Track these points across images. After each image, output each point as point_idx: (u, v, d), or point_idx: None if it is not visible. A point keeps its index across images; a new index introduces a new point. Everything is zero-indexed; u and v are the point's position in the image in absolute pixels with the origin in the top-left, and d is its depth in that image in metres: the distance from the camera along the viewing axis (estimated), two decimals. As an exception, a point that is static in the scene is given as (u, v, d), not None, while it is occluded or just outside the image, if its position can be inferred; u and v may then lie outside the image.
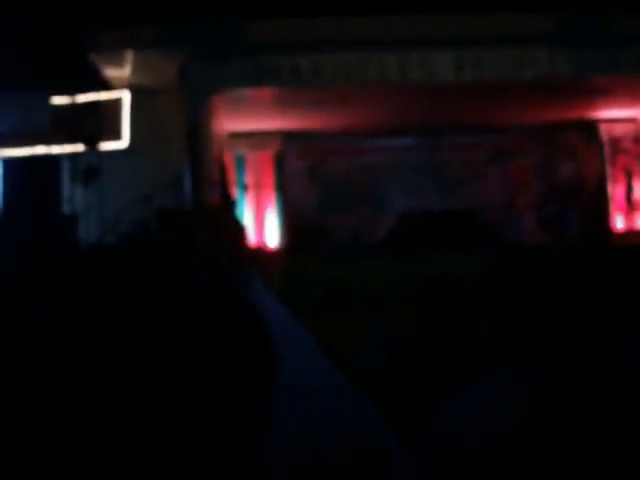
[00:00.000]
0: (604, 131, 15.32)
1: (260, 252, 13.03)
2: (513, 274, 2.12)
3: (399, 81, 11.73)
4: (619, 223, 15.09)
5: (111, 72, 12.33)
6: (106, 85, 12.67)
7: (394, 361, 3.59)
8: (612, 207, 15.14)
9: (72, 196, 11.42)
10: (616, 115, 15.12)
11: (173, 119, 12.22)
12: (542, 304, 2.05)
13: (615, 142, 15.33)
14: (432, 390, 2.85)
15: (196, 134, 11.53)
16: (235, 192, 12.30)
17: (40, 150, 12.35)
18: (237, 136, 14.47)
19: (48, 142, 12.13)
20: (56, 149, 12.10)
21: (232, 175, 14.25)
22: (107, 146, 12.15)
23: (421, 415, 2.26)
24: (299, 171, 15.36)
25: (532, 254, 2.20)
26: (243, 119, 13.80)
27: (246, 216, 13.49)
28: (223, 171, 12.67)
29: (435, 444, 2.05)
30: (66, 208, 11.48)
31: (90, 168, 11.59)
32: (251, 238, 13.69)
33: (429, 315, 3.49)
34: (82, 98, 12.05)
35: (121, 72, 12.33)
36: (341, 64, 11.56)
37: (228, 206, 11.35)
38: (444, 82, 11.82)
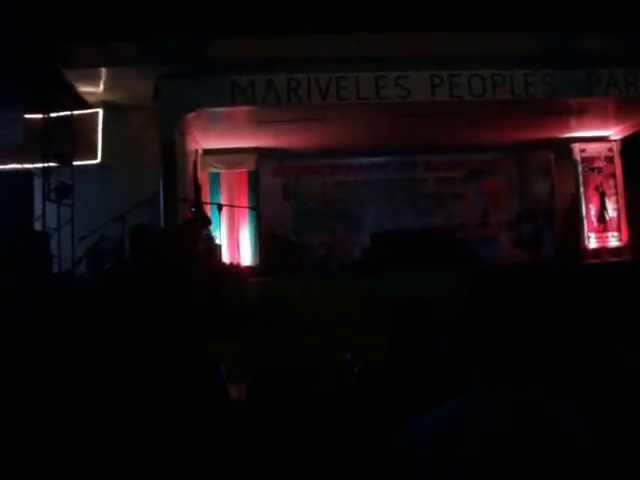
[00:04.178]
0: (578, 150, 15.45)
1: (234, 270, 12.97)
2: (490, 293, 2.11)
3: (375, 100, 11.73)
4: (592, 241, 15.20)
5: (85, 89, 12.27)
6: (80, 102, 12.60)
7: (366, 381, 3.57)
8: (586, 225, 15.25)
9: (44, 213, 11.31)
10: (589, 135, 15.27)
11: (147, 136, 12.19)
12: (519, 321, 2.05)
13: (588, 161, 15.45)
14: (402, 408, 2.83)
15: (170, 152, 11.46)
16: (209, 210, 12.24)
17: (13, 166, 12.25)
18: (212, 154, 14.43)
19: (21, 158, 12.03)
20: (29, 165, 12.00)
21: (206, 193, 14.20)
22: (81, 163, 12.07)
23: (393, 429, 2.25)
24: (274, 189, 15.32)
25: (508, 273, 2.19)
26: (218, 137, 13.77)
27: (220, 234, 13.42)
28: (198, 189, 12.62)
29: (406, 455, 2.05)
30: (38, 225, 11.35)
31: (63, 185, 11.51)
32: (226, 256, 13.63)
33: (399, 336, 3.47)
34: (56, 115, 11.96)
35: (95, 89, 12.28)
36: (316, 82, 11.56)
37: (202, 224, 11.29)
38: (420, 101, 11.84)
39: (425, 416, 2.08)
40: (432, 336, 3.44)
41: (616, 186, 15.43)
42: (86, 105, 12.77)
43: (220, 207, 11.86)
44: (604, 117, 13.92)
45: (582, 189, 15.40)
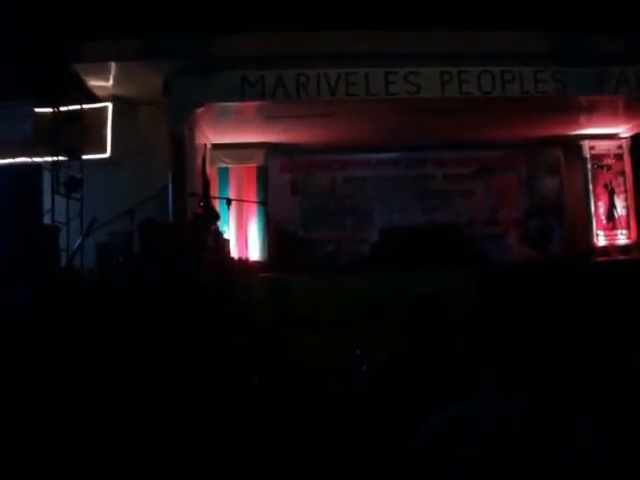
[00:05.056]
0: (587, 148, 15.42)
1: (243, 265, 12.98)
2: (497, 292, 2.12)
3: (384, 96, 11.72)
4: (601, 239, 15.17)
5: (95, 83, 12.28)
6: (90, 96, 12.61)
7: (378, 378, 3.57)
8: (595, 223, 15.23)
9: (54, 206, 11.33)
10: (599, 132, 15.22)
11: (157, 131, 12.20)
12: (525, 321, 2.05)
13: (598, 159, 15.42)
14: (415, 403, 2.84)
15: (179, 146, 11.48)
16: (218, 204, 12.24)
17: (23, 160, 12.28)
18: (221, 148, 14.44)
19: (31, 152, 12.06)
20: (39, 159, 12.03)
21: (215, 187, 14.20)
22: (90, 157, 12.09)
23: (405, 426, 2.25)
24: (282, 184, 15.32)
25: (515, 272, 2.21)
26: (227, 132, 13.77)
27: (229, 229, 13.44)
28: (206, 183, 12.62)
29: (417, 455, 2.05)
30: (47, 218, 11.38)
31: (72, 179, 11.53)
32: (234, 251, 13.63)
33: (413, 334, 3.47)
34: (65, 109, 11.98)
35: (105, 83, 12.29)
36: (326, 78, 11.55)
37: (211, 218, 11.29)
38: (429, 97, 11.82)
39: (431, 419, 2.09)
40: (439, 335, 3.43)
41: (625, 184, 15.41)
42: (96, 99, 12.78)
43: (229, 202, 11.85)
44: (614, 115, 13.87)
45: (591, 187, 15.39)
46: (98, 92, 12.67)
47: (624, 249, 14.94)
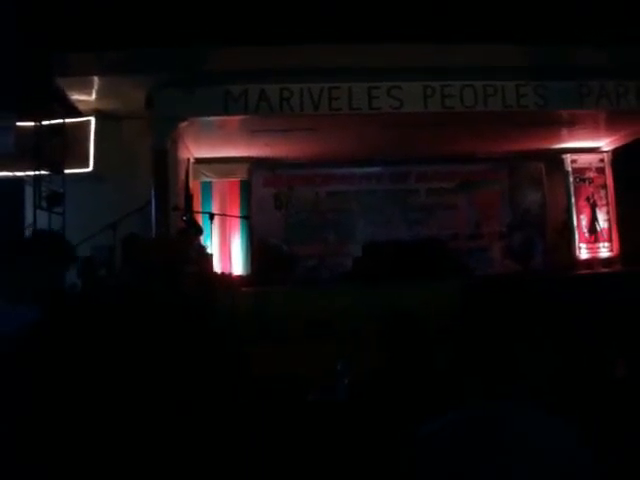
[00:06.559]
0: (569, 161, 15.52)
1: (226, 279, 12.94)
2: (479, 307, 2.12)
3: (367, 110, 11.74)
4: (584, 252, 15.25)
5: (78, 97, 12.24)
6: (72, 110, 12.57)
7: (356, 392, 3.58)
8: (577, 236, 15.32)
9: (35, 221, 11.27)
10: (581, 146, 15.33)
11: (139, 145, 12.15)
12: (507, 335, 2.05)
13: (579, 172, 15.53)
14: (397, 419, 2.83)
15: (162, 160, 11.44)
16: (201, 219, 12.21)
17: (4, 174, 12.22)
18: (204, 163, 14.43)
19: (13, 166, 12.00)
20: (20, 173, 11.98)
21: (198, 202, 14.18)
22: (72, 171, 12.05)
23: (388, 442, 2.25)
24: (266, 199, 15.32)
25: (497, 287, 2.20)
26: (210, 146, 13.76)
27: (212, 243, 13.40)
28: (189, 197, 12.59)
29: (414, 460, 2.06)
30: (29, 233, 11.31)
31: (54, 193, 11.47)
32: (217, 265, 13.60)
33: (393, 351, 3.48)
34: (48, 123, 11.94)
35: (88, 97, 12.25)
36: (309, 92, 11.57)
37: (194, 233, 11.26)
38: (412, 112, 11.85)
39: (423, 428, 2.09)
40: (421, 350, 3.44)
41: (607, 197, 15.51)
42: (78, 113, 12.74)
43: (212, 216, 11.81)
44: (595, 128, 13.97)
45: (573, 200, 15.48)
46: (81, 106, 12.62)
47: (606, 262, 15.03)
